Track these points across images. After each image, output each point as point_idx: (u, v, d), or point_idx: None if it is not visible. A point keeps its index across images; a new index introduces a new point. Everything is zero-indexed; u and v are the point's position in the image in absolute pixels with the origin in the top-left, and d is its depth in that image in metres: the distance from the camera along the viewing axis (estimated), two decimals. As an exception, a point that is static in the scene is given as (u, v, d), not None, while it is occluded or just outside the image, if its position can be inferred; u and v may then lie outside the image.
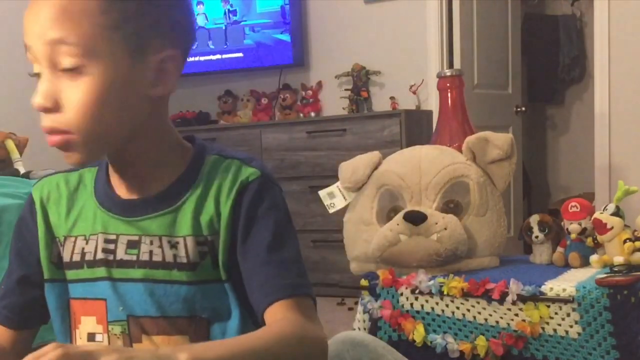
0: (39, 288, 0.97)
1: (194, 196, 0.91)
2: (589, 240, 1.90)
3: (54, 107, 0.82)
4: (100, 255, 0.92)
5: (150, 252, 0.90)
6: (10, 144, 2.85)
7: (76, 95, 0.82)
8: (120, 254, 0.91)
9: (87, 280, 0.93)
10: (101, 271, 0.92)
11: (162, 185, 0.92)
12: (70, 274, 0.95)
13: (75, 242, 0.95)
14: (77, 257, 0.94)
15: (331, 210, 2.19)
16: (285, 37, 4.20)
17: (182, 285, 0.89)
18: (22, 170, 2.74)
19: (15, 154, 2.85)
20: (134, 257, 0.91)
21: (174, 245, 0.90)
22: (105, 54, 0.83)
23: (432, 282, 1.84)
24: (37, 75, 0.84)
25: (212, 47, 4.41)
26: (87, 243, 0.94)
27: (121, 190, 0.94)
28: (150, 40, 0.85)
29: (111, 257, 0.92)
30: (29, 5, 0.83)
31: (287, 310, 0.85)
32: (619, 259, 1.79)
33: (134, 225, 0.91)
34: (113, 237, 0.92)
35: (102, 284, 0.92)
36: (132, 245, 0.91)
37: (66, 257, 0.95)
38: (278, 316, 0.84)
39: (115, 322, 0.91)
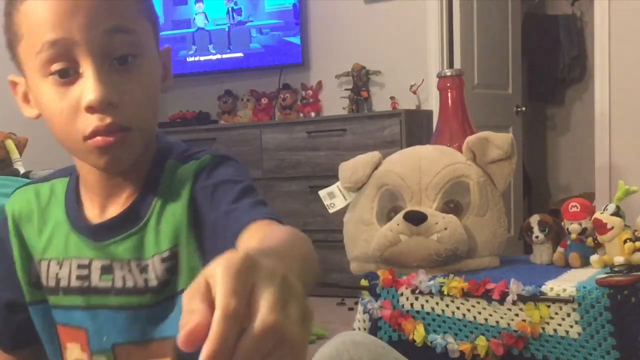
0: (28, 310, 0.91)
1: (156, 210, 0.84)
2: (589, 241, 1.90)
3: (116, 102, 0.76)
4: (74, 282, 0.86)
5: (124, 278, 0.84)
6: (10, 144, 2.85)
7: (135, 88, 0.78)
8: (95, 280, 0.85)
9: (64, 307, 0.87)
10: (77, 299, 0.86)
11: (128, 197, 0.85)
12: (50, 299, 0.89)
13: (49, 265, 0.88)
14: (52, 282, 0.88)
15: (331, 210, 2.19)
16: (295, 40, 4.13)
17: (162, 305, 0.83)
18: (22, 170, 2.74)
19: (15, 154, 2.85)
20: (109, 284, 0.84)
21: (143, 269, 0.83)
22: (149, 43, 0.81)
23: (432, 282, 1.84)
24: (59, 72, 0.76)
25: (213, 51, 4.31)
26: (60, 268, 0.87)
27: (90, 207, 0.87)
28: (158, 34, 0.85)
29: (86, 284, 0.85)
30: (47, 5, 0.74)
31: (267, 224, 0.73)
32: (619, 259, 1.79)
33: (104, 250, 0.85)
34: (86, 262, 0.86)
35: (80, 313, 0.86)
36: (106, 270, 0.85)
37: (43, 281, 0.89)
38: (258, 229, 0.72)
39: (99, 352, 0.86)
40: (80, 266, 0.86)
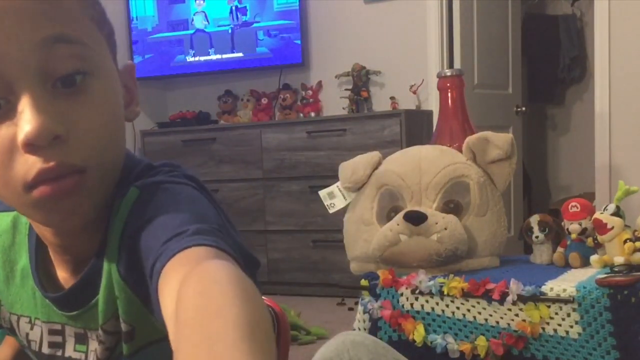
0: None
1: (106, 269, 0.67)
2: (589, 241, 1.90)
3: (63, 135, 0.58)
4: (46, 349, 0.73)
5: (96, 351, 0.70)
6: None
7: (88, 115, 0.60)
8: (69, 350, 0.72)
9: None
10: None
11: (88, 253, 0.68)
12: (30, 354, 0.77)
13: (18, 322, 0.75)
14: (24, 342, 0.76)
15: (331, 210, 2.19)
16: (295, 40, 4.07)
17: None
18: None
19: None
20: (83, 356, 0.71)
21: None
22: (103, 56, 0.63)
23: (432, 282, 1.84)
24: None
25: (212, 55, 4.18)
26: (31, 328, 0.74)
27: (59, 268, 0.72)
28: (115, 49, 0.67)
29: (59, 353, 0.73)
30: None
31: (182, 266, 0.51)
32: (619, 259, 1.78)
33: (75, 318, 0.70)
34: (58, 327, 0.72)
35: None
36: (80, 339, 0.71)
37: (16, 333, 0.77)
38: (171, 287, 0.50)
39: None
40: (52, 331, 0.73)
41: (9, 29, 0.56)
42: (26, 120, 0.56)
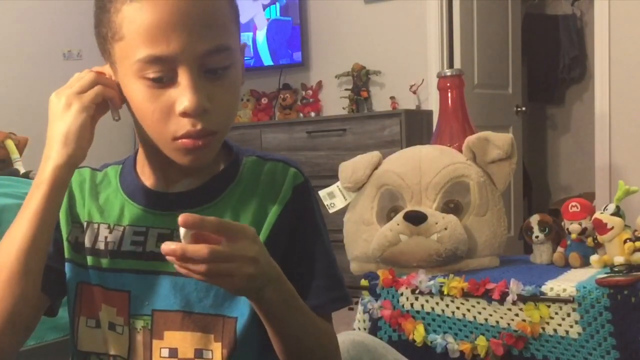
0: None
1: (235, 194, 0.91)
2: (589, 240, 1.90)
3: (208, 109, 0.81)
4: (128, 247, 0.90)
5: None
6: (10, 144, 2.85)
7: (224, 97, 0.83)
8: (151, 246, 0.89)
9: (109, 270, 0.90)
10: (127, 263, 0.89)
11: (198, 181, 0.91)
12: (91, 260, 0.91)
13: (98, 229, 0.92)
14: (100, 245, 0.91)
15: (331, 210, 2.19)
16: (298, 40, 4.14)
17: None
18: (22, 170, 2.74)
19: (15, 153, 2.85)
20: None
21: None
22: (238, 53, 0.86)
23: (432, 282, 1.84)
24: (154, 80, 0.80)
25: None
26: (110, 232, 0.91)
27: (151, 178, 0.92)
28: (240, 35, 0.89)
29: (140, 250, 0.89)
30: (154, 16, 0.78)
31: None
32: (619, 259, 1.79)
33: (167, 218, 0.89)
34: (142, 229, 0.90)
35: (128, 276, 0.89)
36: (163, 239, 0.86)
37: (87, 243, 0.92)
38: None
39: (137, 316, 0.88)
40: (136, 233, 0.91)
41: (185, 39, 0.78)
42: (186, 96, 0.79)
